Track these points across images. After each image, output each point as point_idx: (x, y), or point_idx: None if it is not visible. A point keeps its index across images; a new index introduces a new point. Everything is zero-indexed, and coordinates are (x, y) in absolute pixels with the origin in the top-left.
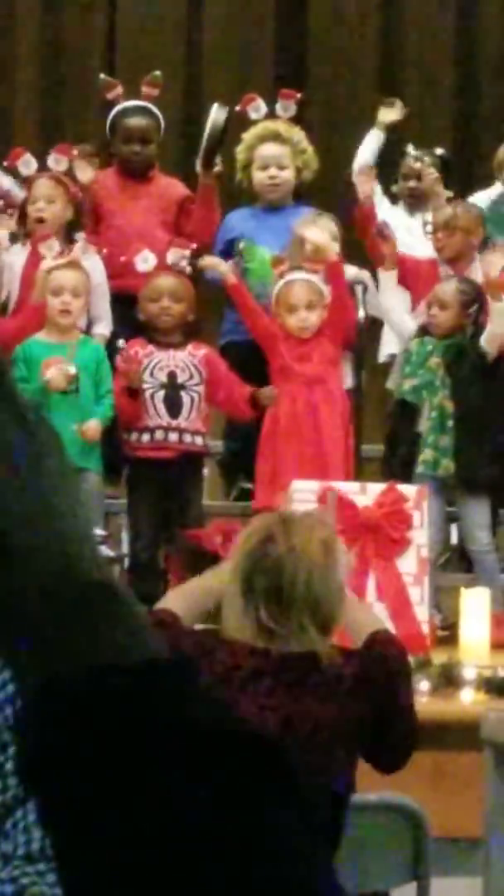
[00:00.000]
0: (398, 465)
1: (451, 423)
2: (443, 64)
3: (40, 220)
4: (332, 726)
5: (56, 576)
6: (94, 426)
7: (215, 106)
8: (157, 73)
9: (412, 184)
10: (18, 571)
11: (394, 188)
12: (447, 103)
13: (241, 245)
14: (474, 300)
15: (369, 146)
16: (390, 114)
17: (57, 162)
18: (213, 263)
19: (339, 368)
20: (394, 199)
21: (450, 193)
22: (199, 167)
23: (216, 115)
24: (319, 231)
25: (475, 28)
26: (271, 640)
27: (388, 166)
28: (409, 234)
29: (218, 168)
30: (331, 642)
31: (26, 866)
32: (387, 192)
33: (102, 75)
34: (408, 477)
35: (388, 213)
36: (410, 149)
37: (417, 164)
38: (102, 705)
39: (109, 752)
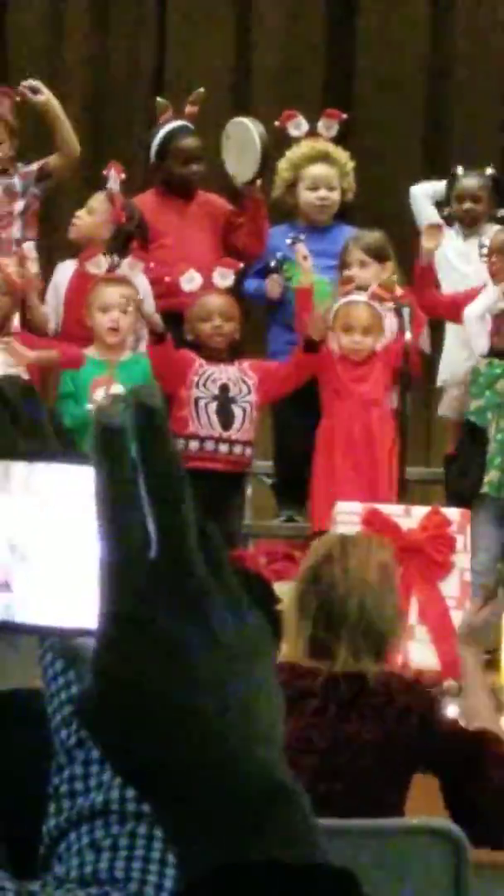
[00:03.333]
0: (469, 488)
1: None
2: (492, 85)
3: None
4: (380, 749)
5: (241, 775)
6: None
7: (244, 120)
8: (202, 89)
9: (467, 206)
10: (205, 765)
11: (446, 211)
12: (496, 124)
13: (284, 266)
14: None
15: (437, 189)
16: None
17: (113, 180)
18: (303, 259)
19: (390, 392)
20: (447, 220)
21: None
22: (241, 182)
23: (257, 129)
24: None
25: None
26: (320, 660)
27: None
28: (466, 261)
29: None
30: (384, 667)
31: (78, 890)
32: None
33: (159, 98)
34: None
35: (443, 238)
36: (460, 170)
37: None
38: None
39: None
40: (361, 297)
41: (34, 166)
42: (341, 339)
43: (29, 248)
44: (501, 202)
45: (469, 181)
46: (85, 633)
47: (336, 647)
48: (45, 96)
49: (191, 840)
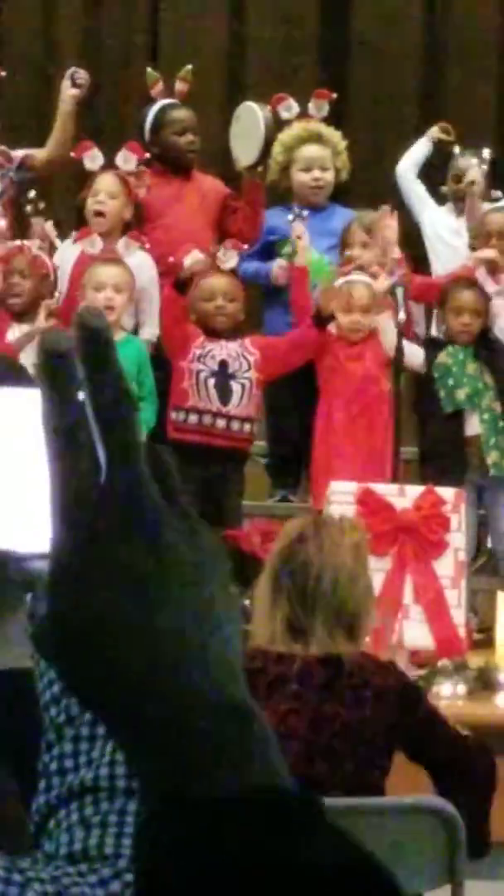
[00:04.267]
0: (458, 468)
1: (502, 423)
2: (488, 64)
3: (99, 214)
4: (359, 730)
5: (196, 694)
6: None
7: (252, 105)
8: (189, 67)
9: (464, 185)
10: (160, 684)
11: (443, 189)
12: (492, 102)
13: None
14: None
15: (417, 153)
16: (442, 135)
17: (126, 160)
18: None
19: (388, 371)
20: (440, 198)
21: (499, 194)
22: (242, 166)
23: (263, 113)
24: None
25: None
26: (295, 641)
27: (433, 166)
28: (458, 236)
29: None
30: (358, 647)
31: (68, 867)
32: (433, 192)
33: (149, 69)
34: (459, 481)
35: (433, 215)
36: (457, 150)
37: (466, 164)
38: (224, 830)
39: (226, 880)
40: (361, 277)
41: (18, 153)
42: (341, 318)
43: (49, 227)
44: (496, 184)
45: (466, 161)
46: (39, 556)
47: (311, 626)
48: (81, 94)
49: (150, 767)
